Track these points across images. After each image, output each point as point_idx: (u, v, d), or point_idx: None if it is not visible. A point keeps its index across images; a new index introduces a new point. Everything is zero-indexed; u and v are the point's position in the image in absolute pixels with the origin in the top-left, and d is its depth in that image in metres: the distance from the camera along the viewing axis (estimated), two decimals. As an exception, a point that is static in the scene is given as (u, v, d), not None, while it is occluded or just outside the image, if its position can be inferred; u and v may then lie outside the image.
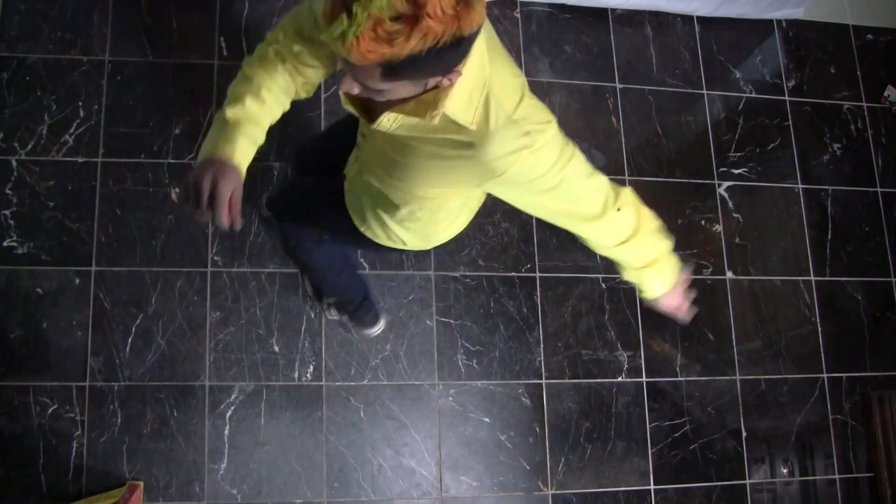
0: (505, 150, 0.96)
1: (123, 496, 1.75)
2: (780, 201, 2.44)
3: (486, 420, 2.07)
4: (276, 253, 2.05)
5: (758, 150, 2.46)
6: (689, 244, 2.33)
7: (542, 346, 2.15)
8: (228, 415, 1.94)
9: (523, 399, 2.11)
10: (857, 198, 2.50)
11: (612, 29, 2.46)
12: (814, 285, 2.38)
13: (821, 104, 2.56)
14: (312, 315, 2.04)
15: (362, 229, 1.40)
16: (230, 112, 1.11)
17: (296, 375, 2.00)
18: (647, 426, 2.17)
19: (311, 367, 2.01)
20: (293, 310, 2.03)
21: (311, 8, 1.07)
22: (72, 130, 2.04)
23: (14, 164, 1.99)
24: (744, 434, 2.22)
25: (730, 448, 2.20)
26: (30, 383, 1.88)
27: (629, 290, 2.24)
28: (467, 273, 2.15)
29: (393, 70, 0.81)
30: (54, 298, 1.93)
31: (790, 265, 2.39)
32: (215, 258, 2.02)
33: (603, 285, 2.24)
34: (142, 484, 1.85)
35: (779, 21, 2.60)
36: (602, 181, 1.09)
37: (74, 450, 1.86)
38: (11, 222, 1.96)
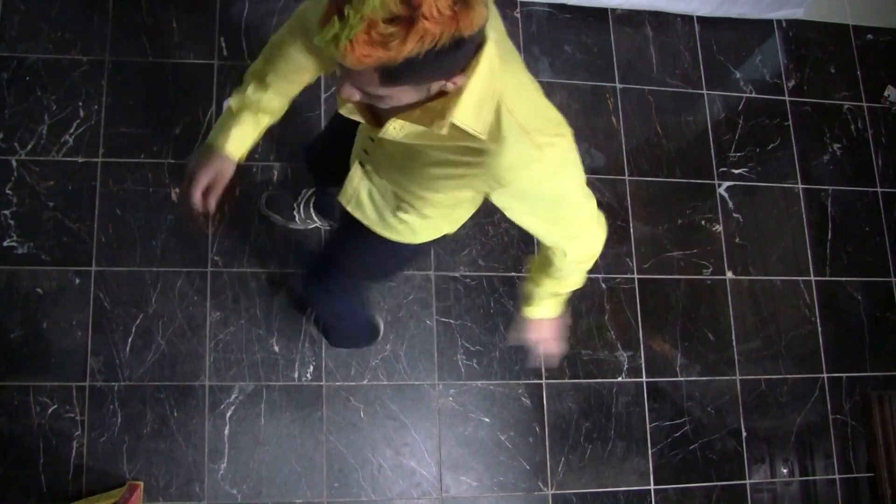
0: (515, 162, 0.94)
1: (123, 496, 1.75)
2: (780, 201, 2.44)
3: (486, 420, 2.07)
4: (276, 253, 2.05)
5: (758, 150, 2.46)
6: (689, 244, 2.33)
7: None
8: (228, 415, 1.94)
9: (523, 399, 2.11)
10: (857, 198, 2.50)
11: (612, 29, 2.46)
12: (814, 285, 2.39)
13: (821, 104, 2.56)
14: (312, 315, 2.03)
15: (391, 235, 1.34)
16: (232, 101, 1.17)
17: (296, 375, 2.00)
18: (647, 426, 2.17)
19: (311, 367, 2.01)
20: (293, 310, 2.03)
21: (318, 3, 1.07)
22: (72, 130, 2.04)
23: (14, 164, 1.99)
24: (744, 434, 2.22)
25: (730, 448, 2.20)
26: (30, 383, 1.88)
27: (629, 291, 2.25)
28: (467, 273, 2.15)
29: (391, 74, 0.78)
30: (54, 298, 1.93)
31: (790, 265, 2.39)
32: (215, 258, 2.02)
33: (603, 285, 2.24)
34: (142, 484, 1.85)
35: (779, 21, 2.61)
36: (594, 202, 1.12)
37: (74, 450, 1.86)
38: (11, 222, 1.96)
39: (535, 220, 1.08)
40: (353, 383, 2.02)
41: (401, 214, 1.24)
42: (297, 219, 2.01)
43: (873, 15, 2.69)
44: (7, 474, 1.82)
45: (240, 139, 1.19)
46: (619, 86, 2.41)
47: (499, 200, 1.04)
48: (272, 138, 2.11)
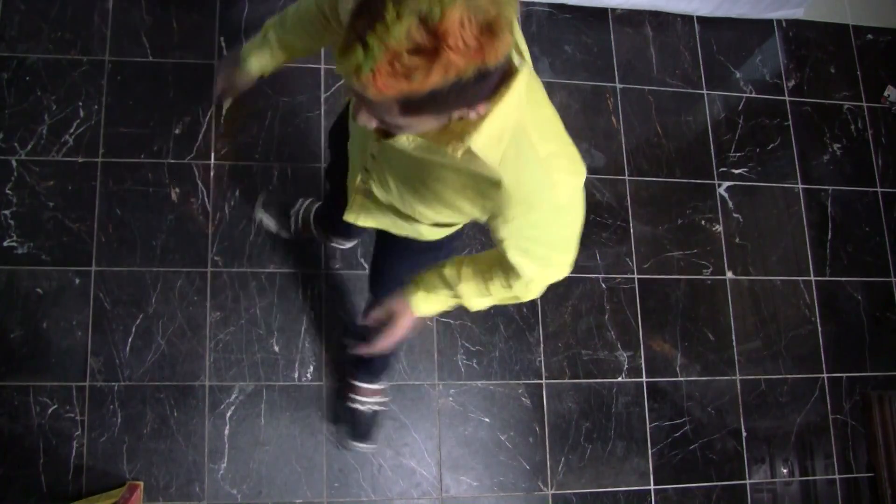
0: (528, 198, 0.92)
1: (123, 496, 1.75)
2: (780, 201, 2.44)
3: (486, 420, 2.07)
4: (275, 253, 2.05)
5: (758, 150, 2.46)
6: (689, 244, 2.33)
7: (542, 346, 2.15)
8: (228, 415, 1.94)
9: (523, 399, 2.11)
10: (857, 198, 2.50)
11: (612, 29, 2.46)
12: (814, 285, 2.39)
13: (821, 104, 2.56)
14: (313, 315, 2.04)
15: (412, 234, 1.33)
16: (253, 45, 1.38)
17: (296, 375, 2.00)
18: (647, 426, 2.17)
19: (311, 367, 2.01)
20: (293, 310, 2.03)
21: None
22: (72, 130, 2.04)
23: (14, 164, 1.99)
24: (744, 434, 2.22)
25: (730, 448, 2.20)
26: (30, 383, 1.88)
27: (629, 291, 2.25)
28: (467, 273, 2.14)
29: (412, 105, 0.74)
30: (54, 298, 1.93)
31: (790, 265, 2.39)
32: (215, 258, 2.02)
33: (603, 285, 2.24)
34: (142, 484, 1.85)
35: (779, 21, 2.61)
36: (576, 251, 1.09)
37: (74, 450, 1.86)
38: (11, 222, 1.96)
39: (518, 254, 1.06)
40: (353, 383, 2.02)
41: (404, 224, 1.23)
42: (292, 227, 1.99)
43: (873, 15, 2.69)
44: (7, 474, 1.82)
45: (260, 64, 1.38)
46: (619, 86, 2.41)
47: (494, 226, 1.01)
48: (272, 138, 2.11)
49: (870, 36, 2.67)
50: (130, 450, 1.88)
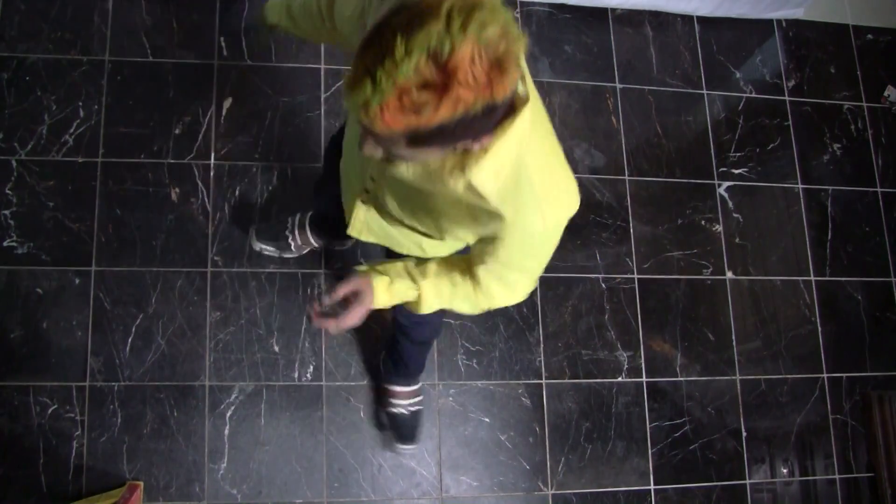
0: (523, 230, 0.95)
1: (123, 496, 1.75)
2: (780, 201, 2.44)
3: (486, 420, 2.07)
4: (276, 253, 2.05)
5: (758, 150, 2.46)
6: (689, 244, 2.33)
7: (542, 346, 2.15)
8: (228, 415, 1.94)
9: (523, 399, 2.11)
10: (857, 198, 2.50)
11: (612, 29, 2.46)
12: (814, 285, 2.39)
13: (821, 104, 2.56)
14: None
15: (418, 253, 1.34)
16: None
17: (296, 375, 2.00)
18: (647, 426, 2.17)
19: (311, 367, 2.01)
20: (293, 310, 2.03)
21: None
22: (72, 130, 2.04)
23: (14, 164, 1.99)
24: (744, 434, 2.22)
25: (730, 448, 2.20)
26: (30, 383, 1.88)
27: (629, 291, 2.25)
28: (467, 273, 2.14)
29: (419, 138, 0.74)
30: (54, 298, 1.93)
31: (790, 265, 2.39)
32: (215, 258, 2.02)
33: (603, 285, 2.24)
34: (142, 484, 1.85)
35: (779, 21, 2.61)
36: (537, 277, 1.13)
37: (74, 450, 1.86)
38: (11, 222, 1.96)
39: (492, 276, 1.09)
40: (353, 383, 2.02)
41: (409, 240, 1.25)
42: (292, 246, 1.98)
43: (873, 15, 2.69)
44: (7, 474, 1.82)
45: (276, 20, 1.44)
46: (619, 86, 2.41)
47: (480, 248, 1.06)
48: (272, 137, 2.11)
49: (870, 36, 2.67)
50: (130, 450, 1.88)
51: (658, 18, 2.50)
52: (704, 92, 2.47)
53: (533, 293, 2.17)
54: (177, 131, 2.08)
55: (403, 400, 1.93)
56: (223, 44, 2.17)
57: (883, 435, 2.25)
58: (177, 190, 2.04)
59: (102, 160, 2.03)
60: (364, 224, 1.26)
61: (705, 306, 2.29)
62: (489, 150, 0.84)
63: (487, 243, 1.02)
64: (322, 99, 2.17)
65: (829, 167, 2.51)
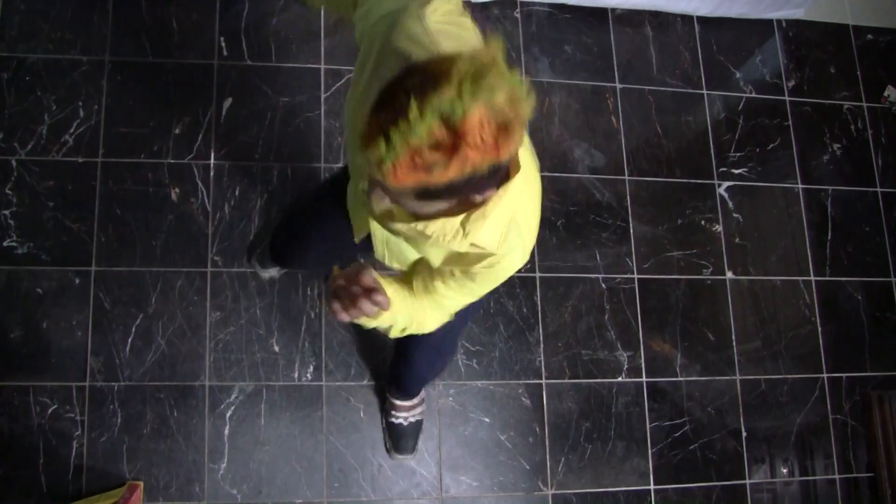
0: (509, 265, 1.07)
1: (123, 496, 1.75)
2: (780, 201, 2.44)
3: (486, 420, 2.07)
4: (276, 253, 2.05)
5: (758, 150, 2.46)
6: (689, 244, 2.33)
7: (542, 346, 2.15)
8: (228, 415, 1.94)
9: (523, 399, 2.11)
10: (857, 198, 2.50)
11: (612, 29, 2.46)
12: (814, 285, 2.39)
13: (821, 104, 2.56)
14: (312, 315, 2.04)
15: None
16: None
17: (296, 375, 2.00)
18: (647, 426, 2.17)
19: (311, 367, 2.01)
20: (293, 310, 2.03)
21: None
22: (72, 130, 2.04)
23: (14, 164, 1.99)
24: (744, 434, 2.22)
25: (730, 448, 2.20)
26: (30, 383, 1.88)
27: (629, 291, 2.25)
28: (467, 273, 2.14)
29: (428, 194, 0.79)
30: (54, 298, 1.93)
31: (790, 265, 2.39)
32: (215, 258, 2.02)
33: (603, 285, 2.24)
34: (142, 484, 1.85)
35: (779, 21, 2.60)
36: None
37: (74, 450, 1.86)
38: (11, 222, 1.96)
39: (456, 289, 1.15)
40: (353, 383, 2.02)
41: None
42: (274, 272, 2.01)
43: (873, 15, 2.69)
44: (7, 474, 1.82)
45: None
46: (619, 86, 2.41)
47: (451, 269, 1.12)
48: (272, 137, 2.11)
49: (870, 36, 2.67)
50: (130, 450, 1.88)
51: (658, 18, 2.50)
52: (704, 92, 2.47)
53: (533, 293, 2.17)
54: (177, 131, 2.08)
55: (402, 412, 1.94)
56: (223, 44, 2.17)
57: (883, 435, 2.25)
58: (177, 190, 2.04)
59: (102, 160, 2.03)
60: (385, 244, 1.29)
61: (705, 306, 2.29)
62: (489, 211, 0.90)
63: (469, 271, 1.09)
64: (322, 99, 2.17)
65: (829, 167, 2.51)
